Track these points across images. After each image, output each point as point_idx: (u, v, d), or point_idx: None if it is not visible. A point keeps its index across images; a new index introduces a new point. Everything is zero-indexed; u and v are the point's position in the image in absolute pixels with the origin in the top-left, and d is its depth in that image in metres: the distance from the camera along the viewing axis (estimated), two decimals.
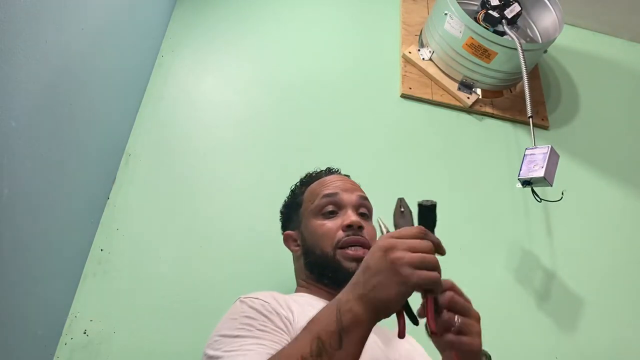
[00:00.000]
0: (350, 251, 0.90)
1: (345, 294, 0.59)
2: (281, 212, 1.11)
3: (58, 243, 1.06)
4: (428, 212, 0.68)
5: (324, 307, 0.61)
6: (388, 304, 0.57)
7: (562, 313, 1.40)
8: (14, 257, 0.89)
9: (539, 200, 1.37)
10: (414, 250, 0.58)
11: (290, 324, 0.75)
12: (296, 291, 1.00)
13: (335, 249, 0.91)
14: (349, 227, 0.92)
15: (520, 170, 1.33)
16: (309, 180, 1.07)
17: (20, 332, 0.94)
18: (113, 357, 1.11)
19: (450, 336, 0.65)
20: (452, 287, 0.67)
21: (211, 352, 0.71)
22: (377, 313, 0.58)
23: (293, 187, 1.11)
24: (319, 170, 1.09)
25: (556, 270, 1.46)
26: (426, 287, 0.59)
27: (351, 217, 0.93)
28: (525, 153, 1.35)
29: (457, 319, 0.65)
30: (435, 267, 0.59)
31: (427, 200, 0.69)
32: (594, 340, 1.37)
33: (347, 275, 0.82)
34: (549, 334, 1.36)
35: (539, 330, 1.35)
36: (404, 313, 0.62)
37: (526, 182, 1.31)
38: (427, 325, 0.63)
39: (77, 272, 1.18)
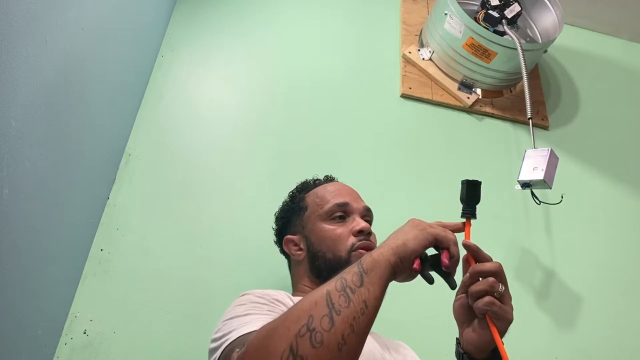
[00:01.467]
0: (365, 252, 0.91)
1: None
2: (279, 218, 1.11)
3: (58, 243, 1.06)
4: (473, 188, 0.74)
5: None
6: (406, 245, 0.64)
7: (562, 313, 1.40)
8: (14, 257, 0.89)
9: (538, 202, 1.37)
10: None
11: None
12: (294, 296, 1.00)
13: (349, 252, 0.92)
14: (360, 232, 0.94)
15: (520, 172, 1.32)
16: (308, 186, 1.08)
17: (20, 332, 0.94)
18: (113, 357, 1.11)
19: (491, 300, 0.67)
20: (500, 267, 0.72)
21: (220, 334, 0.71)
22: (396, 254, 0.63)
23: (291, 193, 1.11)
24: (316, 178, 1.11)
25: (556, 270, 1.46)
26: (442, 240, 0.68)
27: (362, 222, 0.95)
28: (525, 155, 1.35)
29: (501, 287, 0.69)
30: (451, 240, 0.69)
31: (472, 180, 0.75)
32: (593, 340, 1.37)
33: None
34: (549, 334, 1.36)
35: (539, 330, 1.36)
36: (423, 267, 0.68)
37: (526, 185, 1.30)
38: (452, 282, 0.70)
39: (77, 272, 1.18)
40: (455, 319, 0.74)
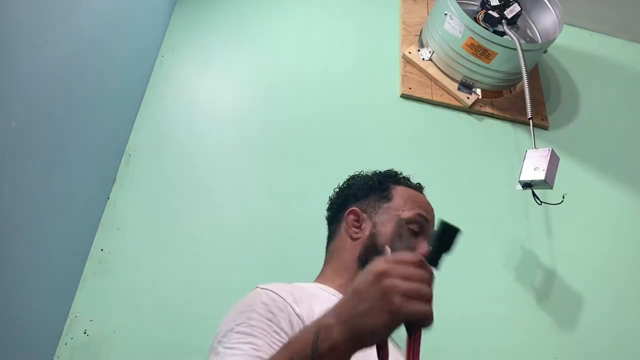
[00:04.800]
0: None
1: (329, 317, 0.55)
2: (357, 186, 1.01)
3: (58, 243, 1.06)
4: (448, 235, 0.62)
5: (305, 327, 0.59)
6: (373, 334, 0.52)
7: (563, 313, 1.40)
8: (14, 257, 0.89)
9: (539, 203, 1.36)
10: (409, 278, 0.53)
11: (302, 322, 0.73)
12: (319, 276, 0.94)
13: None
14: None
15: (521, 172, 1.32)
16: (397, 178, 1.02)
17: (20, 331, 0.94)
18: (113, 357, 1.11)
19: None
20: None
21: (215, 344, 0.71)
22: (359, 342, 0.52)
23: (376, 173, 1.04)
24: (409, 177, 1.05)
25: (556, 270, 1.46)
26: (417, 321, 0.53)
27: (424, 251, 0.88)
28: (526, 155, 1.34)
29: None
30: (430, 300, 0.53)
31: (452, 225, 0.63)
32: (593, 339, 1.37)
33: None
34: (549, 334, 1.36)
35: (539, 330, 1.35)
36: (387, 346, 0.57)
37: (527, 185, 1.30)
38: None
39: (77, 272, 1.18)
40: None
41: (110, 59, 1.20)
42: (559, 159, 1.33)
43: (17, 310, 0.92)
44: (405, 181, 1.02)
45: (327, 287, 0.89)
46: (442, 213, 1.59)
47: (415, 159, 1.58)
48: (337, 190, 1.05)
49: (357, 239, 0.92)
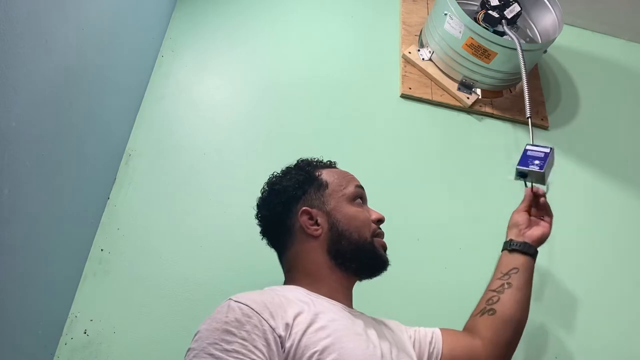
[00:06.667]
0: (382, 240, 0.96)
1: None
2: (290, 187, 0.97)
3: (58, 243, 1.06)
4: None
5: None
6: None
7: (563, 312, 1.40)
8: (14, 257, 0.89)
9: (528, 186, 1.28)
10: None
11: (278, 337, 0.73)
12: (287, 282, 0.96)
13: (372, 237, 0.94)
14: (379, 221, 0.97)
15: (520, 161, 1.27)
16: (317, 164, 1.02)
17: (20, 331, 0.94)
18: (113, 357, 1.11)
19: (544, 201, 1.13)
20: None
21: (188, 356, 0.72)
22: None
23: (297, 165, 1.02)
24: (319, 159, 1.05)
25: (556, 270, 1.46)
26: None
27: (378, 212, 0.98)
28: (526, 148, 1.31)
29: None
30: None
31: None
32: (593, 339, 1.37)
33: (383, 260, 0.95)
34: (549, 334, 1.36)
35: (539, 330, 1.35)
36: None
37: (522, 174, 1.26)
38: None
39: (77, 272, 1.18)
40: (514, 224, 1.12)
41: (110, 58, 1.20)
42: (554, 160, 1.29)
43: (17, 310, 0.92)
44: (322, 164, 1.04)
45: (300, 287, 0.89)
46: (442, 212, 1.59)
47: (415, 159, 1.58)
48: (262, 205, 1.01)
49: (318, 235, 0.92)
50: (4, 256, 0.85)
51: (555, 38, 1.65)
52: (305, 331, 0.75)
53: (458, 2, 1.59)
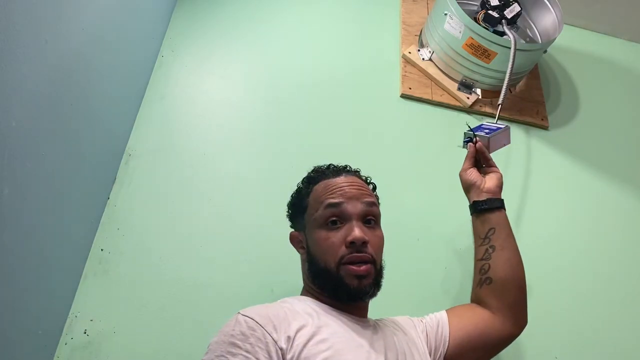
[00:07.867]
0: (355, 267, 0.86)
1: None
2: (288, 209, 1.04)
3: (58, 243, 1.06)
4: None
5: None
6: None
7: (562, 312, 1.40)
8: (14, 257, 0.89)
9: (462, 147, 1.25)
10: None
11: (280, 349, 0.75)
12: (303, 293, 0.98)
13: (338, 265, 0.87)
14: (352, 243, 0.87)
15: (472, 129, 1.22)
16: (315, 177, 1.00)
17: (20, 331, 0.94)
18: (113, 357, 1.11)
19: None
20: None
21: None
22: None
23: (300, 183, 1.02)
24: (325, 167, 1.02)
25: (556, 271, 1.46)
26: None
27: (355, 232, 0.87)
28: (482, 123, 1.26)
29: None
30: None
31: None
32: (593, 339, 1.37)
33: (349, 291, 0.86)
34: (549, 334, 1.36)
35: (539, 330, 1.35)
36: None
37: (469, 139, 1.21)
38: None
39: (77, 272, 1.18)
40: (469, 185, 1.11)
41: (110, 58, 1.20)
42: (509, 142, 1.23)
43: (17, 310, 0.92)
44: (322, 174, 0.99)
45: (309, 297, 0.92)
46: (442, 212, 1.59)
47: (415, 159, 1.58)
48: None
49: (304, 257, 0.97)
50: (4, 256, 0.85)
51: (555, 38, 1.65)
52: (306, 344, 0.77)
53: (458, 2, 1.59)
